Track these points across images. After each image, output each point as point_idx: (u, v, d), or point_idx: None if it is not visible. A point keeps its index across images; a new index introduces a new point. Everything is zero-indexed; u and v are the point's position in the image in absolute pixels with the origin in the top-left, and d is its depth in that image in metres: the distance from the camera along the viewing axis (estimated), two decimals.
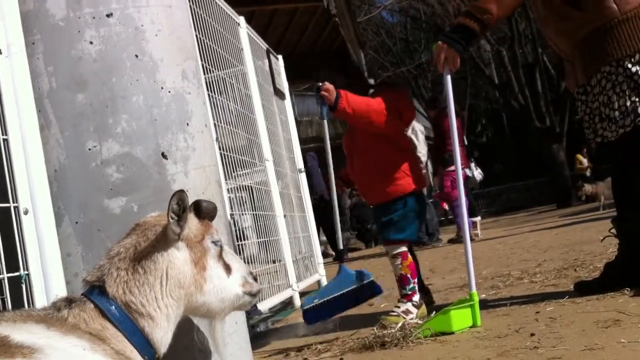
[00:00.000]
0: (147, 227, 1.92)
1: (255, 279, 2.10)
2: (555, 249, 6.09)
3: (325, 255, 9.92)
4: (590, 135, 3.35)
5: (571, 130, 22.87)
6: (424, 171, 9.05)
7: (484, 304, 3.47)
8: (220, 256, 2.01)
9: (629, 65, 3.10)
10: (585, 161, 19.33)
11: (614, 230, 3.47)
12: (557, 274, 4.33)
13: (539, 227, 10.39)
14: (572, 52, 3.31)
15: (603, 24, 3.15)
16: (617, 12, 3.12)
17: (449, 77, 3.35)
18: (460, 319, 3.11)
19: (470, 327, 3.12)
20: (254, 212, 4.98)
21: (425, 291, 3.91)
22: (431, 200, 10.38)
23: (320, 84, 3.55)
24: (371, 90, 3.93)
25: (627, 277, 3.28)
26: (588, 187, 13.24)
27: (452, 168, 9.11)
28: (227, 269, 2.02)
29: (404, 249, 3.73)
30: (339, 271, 3.47)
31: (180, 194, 1.87)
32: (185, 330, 2.16)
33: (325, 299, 3.40)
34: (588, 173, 18.99)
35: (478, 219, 9.97)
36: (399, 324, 3.32)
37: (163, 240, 1.88)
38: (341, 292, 3.40)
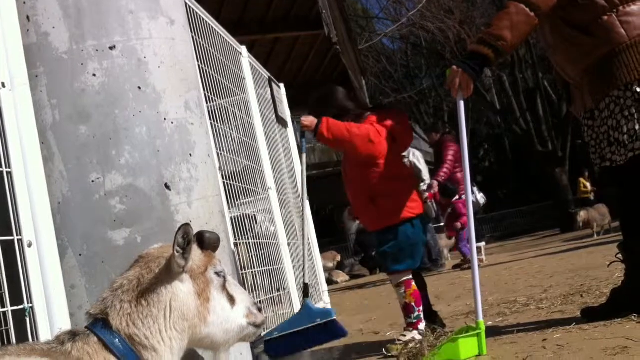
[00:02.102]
0: (151, 259, 1.91)
1: (259, 310, 2.09)
2: (561, 275, 6.05)
3: (329, 282, 9.88)
4: (597, 160, 3.34)
5: (574, 154, 22.89)
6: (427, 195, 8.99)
7: (491, 331, 3.43)
8: (224, 287, 2.00)
9: (638, 90, 3.11)
10: (588, 185, 19.30)
11: (620, 256, 3.45)
12: (563, 299, 4.30)
13: (543, 252, 10.34)
14: (581, 78, 3.32)
15: (612, 49, 3.16)
16: (625, 37, 3.14)
17: (462, 103, 3.34)
18: (467, 347, 3.08)
19: (477, 355, 3.09)
20: (257, 240, 4.96)
21: (433, 316, 3.88)
22: (434, 225, 10.31)
23: (302, 118, 3.59)
24: (367, 114, 3.86)
25: (634, 303, 3.25)
26: (583, 214, 13.19)
27: (457, 197, 9.13)
28: (231, 300, 2.00)
29: (407, 277, 3.70)
30: (302, 306, 3.42)
31: (186, 228, 1.86)
32: None
33: (283, 333, 3.30)
34: (592, 197, 18.92)
35: (483, 244, 9.93)
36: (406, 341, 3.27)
37: (166, 273, 1.87)
38: (299, 329, 3.29)
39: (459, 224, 9.19)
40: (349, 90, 4.18)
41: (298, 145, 7.08)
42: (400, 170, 3.82)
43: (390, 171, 3.71)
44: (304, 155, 3.65)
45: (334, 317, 3.36)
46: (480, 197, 9.78)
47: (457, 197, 9.15)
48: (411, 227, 3.70)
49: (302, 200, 3.67)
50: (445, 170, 8.82)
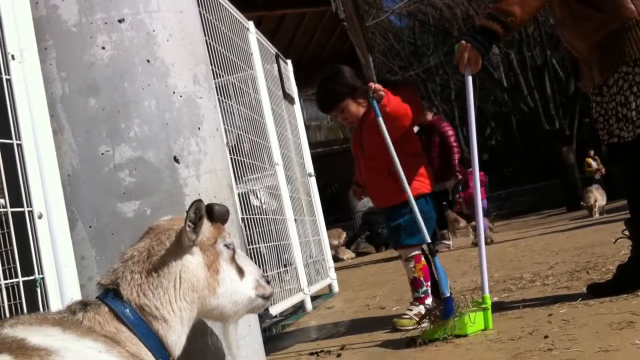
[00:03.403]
0: (161, 231, 1.93)
1: (267, 282, 2.11)
2: (566, 252, 6.06)
3: (336, 259, 9.91)
4: (605, 136, 3.34)
5: (581, 133, 22.82)
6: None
7: (497, 307, 3.46)
8: (232, 259, 2.02)
9: None
10: (594, 164, 19.24)
11: (626, 232, 3.46)
12: (569, 276, 4.31)
13: (549, 230, 10.35)
14: (590, 53, 3.30)
15: (621, 24, 3.14)
16: (635, 13, 3.12)
17: (470, 78, 3.32)
18: (474, 320, 3.10)
19: (483, 330, 3.11)
20: (264, 216, 4.98)
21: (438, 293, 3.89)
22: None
23: (374, 86, 3.54)
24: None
25: None
26: (592, 196, 13.22)
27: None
28: (240, 272, 2.02)
29: (417, 252, 3.72)
30: (435, 267, 3.49)
31: (198, 204, 1.88)
32: (199, 334, 2.17)
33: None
34: (598, 176, 18.87)
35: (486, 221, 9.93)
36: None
37: (177, 245, 1.89)
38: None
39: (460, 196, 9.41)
40: (355, 68, 4.15)
41: (305, 122, 7.09)
42: (417, 146, 3.90)
43: (410, 147, 3.78)
44: (381, 119, 3.57)
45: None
46: None
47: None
48: (425, 202, 3.75)
49: (395, 163, 3.56)
50: (456, 153, 9.21)
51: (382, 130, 3.50)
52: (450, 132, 9.31)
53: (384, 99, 3.51)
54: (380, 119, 3.52)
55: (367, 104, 3.71)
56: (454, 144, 9.21)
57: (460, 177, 9.35)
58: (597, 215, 12.74)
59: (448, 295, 3.21)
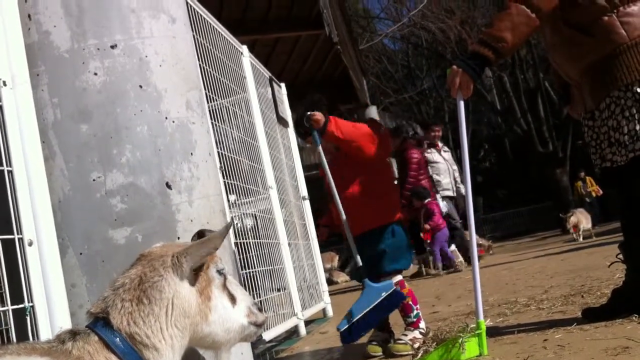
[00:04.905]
0: (154, 258, 1.91)
1: (260, 310, 2.09)
2: (561, 275, 6.04)
3: (329, 282, 9.87)
4: (597, 160, 3.34)
5: (574, 155, 22.90)
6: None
7: (491, 332, 3.43)
8: (224, 286, 2.00)
9: (639, 90, 3.11)
10: (582, 187, 19.26)
11: (621, 256, 3.45)
12: (564, 300, 4.30)
13: (544, 253, 10.33)
14: (581, 78, 3.32)
15: (612, 49, 3.16)
16: (626, 38, 3.14)
17: (462, 103, 3.34)
18: (468, 347, 3.07)
19: (478, 356, 3.09)
20: (258, 241, 4.95)
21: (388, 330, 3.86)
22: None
23: (309, 113, 3.56)
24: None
25: (635, 303, 3.25)
26: (573, 219, 13.08)
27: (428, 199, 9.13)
28: (232, 299, 2.00)
29: (400, 277, 3.71)
30: (364, 286, 3.43)
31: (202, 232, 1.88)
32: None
33: (358, 317, 3.34)
34: (588, 199, 18.89)
35: (453, 247, 9.68)
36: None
37: (172, 271, 1.87)
38: (371, 307, 3.35)
39: (427, 226, 9.18)
40: (349, 91, 4.20)
41: (299, 144, 7.09)
42: (391, 172, 3.91)
43: (384, 172, 3.82)
44: (320, 148, 3.59)
45: (394, 287, 3.42)
46: (443, 206, 9.75)
47: (428, 199, 9.18)
48: (402, 227, 3.76)
49: (331, 191, 3.57)
50: (410, 181, 9.08)
51: (321, 159, 3.55)
52: (414, 160, 9.16)
53: (330, 126, 3.52)
54: (320, 148, 3.57)
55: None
56: (412, 173, 9.09)
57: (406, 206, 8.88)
58: (580, 239, 12.55)
59: (343, 327, 3.23)
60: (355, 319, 3.32)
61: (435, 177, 9.96)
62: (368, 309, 3.35)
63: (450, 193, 10.13)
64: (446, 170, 10.16)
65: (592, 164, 3.51)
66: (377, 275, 3.65)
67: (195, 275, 1.91)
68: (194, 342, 1.95)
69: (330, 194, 3.65)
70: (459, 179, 10.13)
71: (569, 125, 22.30)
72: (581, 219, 12.97)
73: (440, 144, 10.44)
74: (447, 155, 10.48)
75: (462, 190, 9.57)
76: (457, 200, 10.09)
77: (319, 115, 3.55)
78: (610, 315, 3.28)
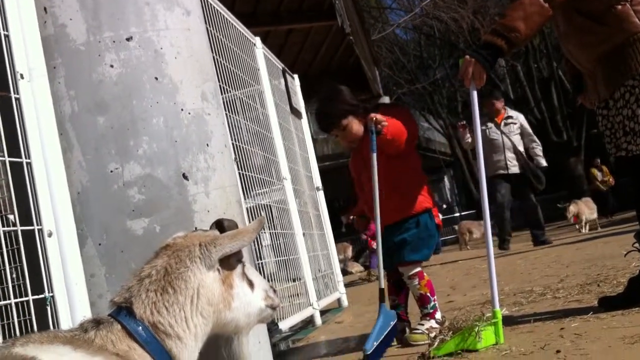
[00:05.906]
0: (179, 249, 1.92)
1: (274, 292, 2.12)
2: (577, 264, 6.02)
3: (344, 272, 9.88)
4: (612, 149, 3.33)
5: (589, 144, 22.76)
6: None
7: (507, 321, 3.43)
8: (243, 273, 2.02)
9: None
10: (600, 175, 19.08)
11: (637, 245, 3.44)
12: (580, 289, 4.28)
13: (559, 242, 10.30)
14: (594, 67, 3.30)
15: (626, 38, 3.14)
16: (639, 27, 3.12)
17: (474, 93, 3.33)
18: (484, 336, 3.08)
19: (495, 344, 3.09)
20: (273, 231, 4.98)
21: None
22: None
23: (374, 117, 3.47)
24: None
25: None
26: (572, 208, 12.85)
27: None
28: (250, 284, 2.03)
29: (419, 268, 3.71)
30: (380, 311, 3.44)
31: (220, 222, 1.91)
32: (211, 348, 2.16)
33: (381, 338, 3.32)
34: (604, 188, 18.72)
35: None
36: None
37: (199, 261, 1.89)
38: (390, 328, 3.38)
39: None
40: (361, 82, 4.19)
41: (312, 135, 7.10)
42: (418, 161, 3.87)
43: (413, 162, 3.78)
44: (374, 155, 3.50)
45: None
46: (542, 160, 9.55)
47: None
48: (429, 217, 3.74)
49: (374, 196, 3.56)
50: None
51: (372, 164, 3.49)
52: None
53: (386, 130, 3.49)
54: (374, 154, 3.49)
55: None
56: None
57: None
58: (585, 230, 12.32)
59: (369, 352, 3.18)
60: (376, 343, 3.27)
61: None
62: (388, 330, 3.37)
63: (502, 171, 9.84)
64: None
65: (606, 152, 3.50)
66: (398, 264, 3.67)
67: (220, 264, 1.93)
68: (216, 329, 1.97)
69: (370, 206, 3.63)
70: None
71: (583, 114, 22.16)
72: (583, 208, 12.67)
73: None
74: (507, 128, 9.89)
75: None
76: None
77: (381, 118, 3.48)
78: (627, 304, 3.27)
